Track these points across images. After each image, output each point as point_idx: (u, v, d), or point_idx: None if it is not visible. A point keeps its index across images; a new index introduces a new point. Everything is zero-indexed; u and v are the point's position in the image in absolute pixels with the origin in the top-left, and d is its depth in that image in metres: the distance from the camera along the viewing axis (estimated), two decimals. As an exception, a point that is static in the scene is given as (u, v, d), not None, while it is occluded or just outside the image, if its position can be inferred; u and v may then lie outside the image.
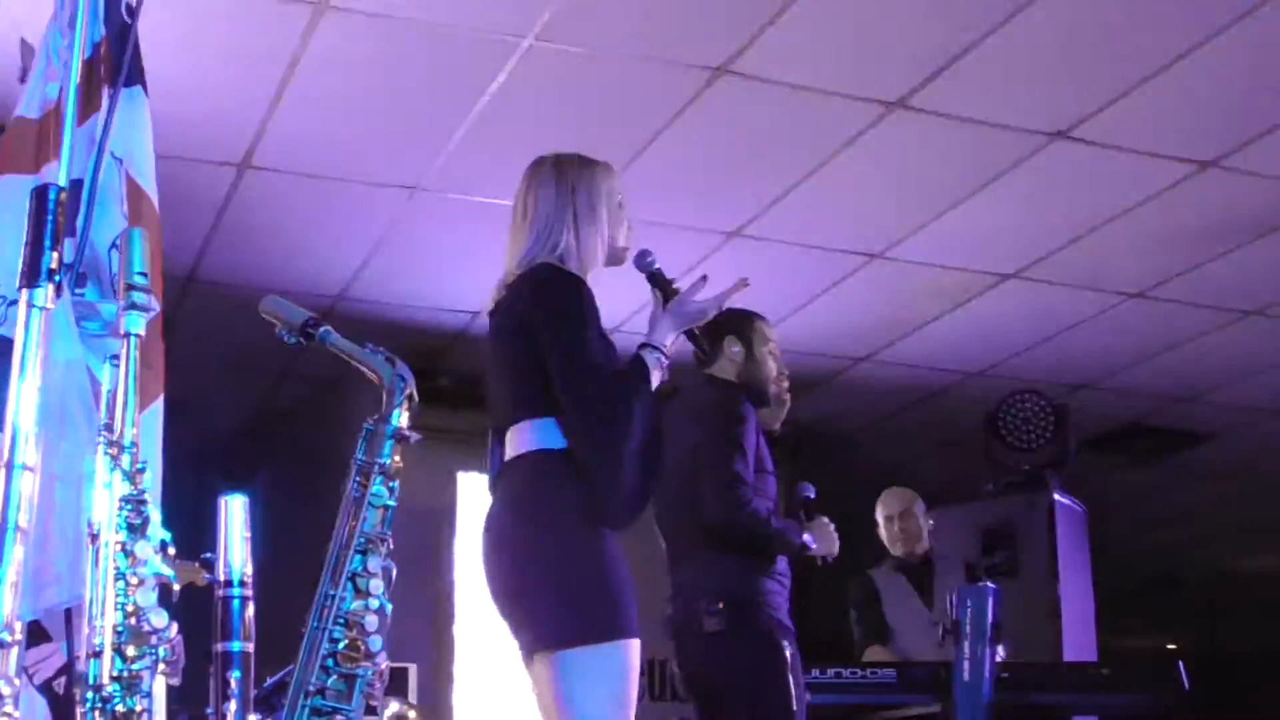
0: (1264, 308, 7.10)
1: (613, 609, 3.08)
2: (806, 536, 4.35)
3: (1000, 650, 5.25)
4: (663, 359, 3.32)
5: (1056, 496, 7.19)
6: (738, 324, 4.52)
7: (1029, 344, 7.56)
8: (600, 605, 3.09)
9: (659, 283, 3.55)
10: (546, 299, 3.27)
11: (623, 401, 3.19)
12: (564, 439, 3.20)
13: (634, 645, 3.09)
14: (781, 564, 4.34)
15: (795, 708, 4.14)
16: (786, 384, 4.65)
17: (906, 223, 6.28)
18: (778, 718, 4.13)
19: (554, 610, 3.09)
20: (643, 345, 3.34)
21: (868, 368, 7.81)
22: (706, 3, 4.72)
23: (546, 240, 3.36)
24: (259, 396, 8.25)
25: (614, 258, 3.47)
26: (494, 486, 3.34)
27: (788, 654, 4.20)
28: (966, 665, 5.16)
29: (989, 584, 5.36)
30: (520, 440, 3.26)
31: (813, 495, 4.49)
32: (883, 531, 6.25)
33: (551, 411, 3.22)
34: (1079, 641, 6.96)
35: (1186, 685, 5.25)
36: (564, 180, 3.43)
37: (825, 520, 4.44)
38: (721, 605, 4.20)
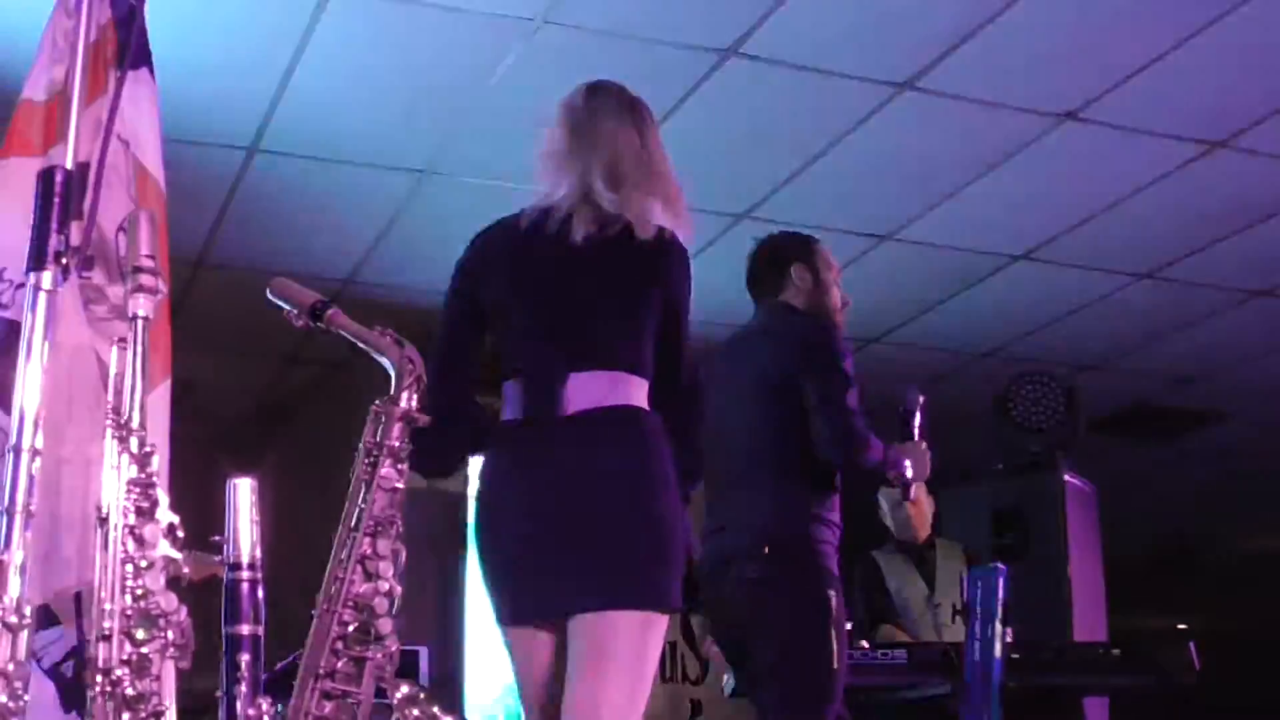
0: (1274, 288, 7.08)
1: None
2: (906, 462, 4.14)
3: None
4: None
5: (1066, 477, 7.18)
6: (802, 250, 4.37)
7: (1039, 325, 7.55)
8: (681, 575, 3.05)
9: None
10: (687, 275, 3.20)
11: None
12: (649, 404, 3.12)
13: None
14: (834, 506, 4.10)
15: (836, 666, 3.92)
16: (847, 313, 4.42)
17: (916, 204, 6.27)
18: (818, 678, 3.91)
19: (668, 575, 3.00)
20: None
21: (877, 349, 7.80)
22: (715, -16, 4.73)
23: (664, 208, 3.22)
24: (268, 380, 8.26)
25: None
26: (591, 420, 3.05)
27: (833, 606, 3.96)
28: (977, 646, 5.16)
29: (999, 565, 5.36)
30: (625, 391, 3.07)
31: (917, 406, 4.26)
32: (891, 514, 6.22)
33: (647, 375, 3.12)
34: (1089, 622, 6.96)
35: (1197, 666, 5.25)
36: (658, 145, 3.34)
37: (922, 444, 4.23)
38: (767, 550, 3.98)
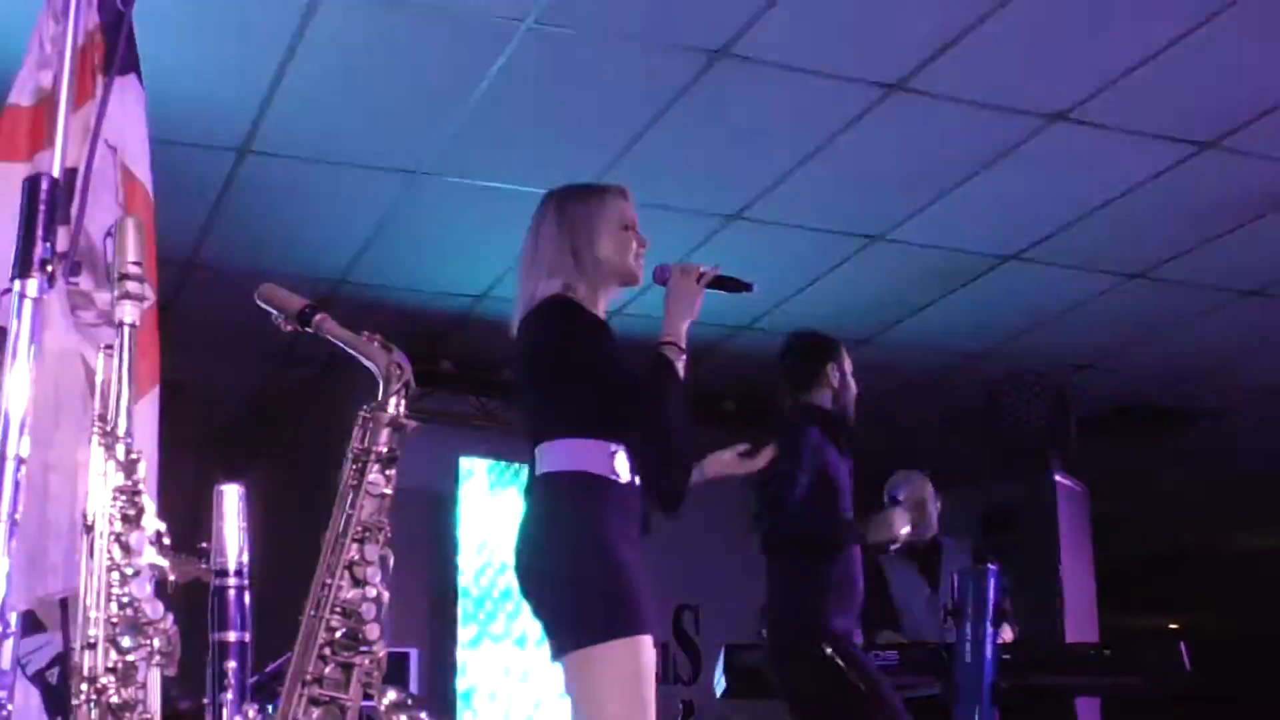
0: (1264, 287, 7.09)
1: (618, 609, 3.22)
2: (879, 528, 4.83)
3: (1006, 631, 5.26)
4: (681, 349, 3.45)
5: (1057, 477, 7.19)
6: (834, 349, 4.88)
7: (1029, 325, 7.55)
8: (606, 607, 3.22)
9: (722, 284, 3.65)
10: (555, 331, 3.39)
11: (654, 401, 3.36)
12: (575, 460, 3.32)
13: (639, 641, 3.21)
14: (838, 571, 4.63)
15: (864, 688, 4.43)
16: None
17: (906, 205, 6.27)
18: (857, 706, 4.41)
19: (565, 616, 3.26)
20: (662, 344, 3.43)
21: (869, 350, 7.80)
22: (705, -14, 4.72)
23: (552, 276, 3.43)
24: (259, 382, 8.25)
25: (624, 279, 3.52)
26: (526, 496, 3.44)
27: (837, 661, 4.46)
28: (968, 647, 5.16)
29: (990, 565, 5.35)
30: (544, 460, 3.36)
31: (900, 496, 4.96)
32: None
33: (564, 434, 3.34)
34: (1080, 622, 6.97)
35: (1188, 665, 5.25)
36: (563, 213, 3.51)
37: (893, 510, 4.95)
38: (767, 630, 4.59)
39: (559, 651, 3.25)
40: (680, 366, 3.41)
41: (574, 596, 3.25)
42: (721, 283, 3.64)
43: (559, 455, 3.33)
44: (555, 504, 3.33)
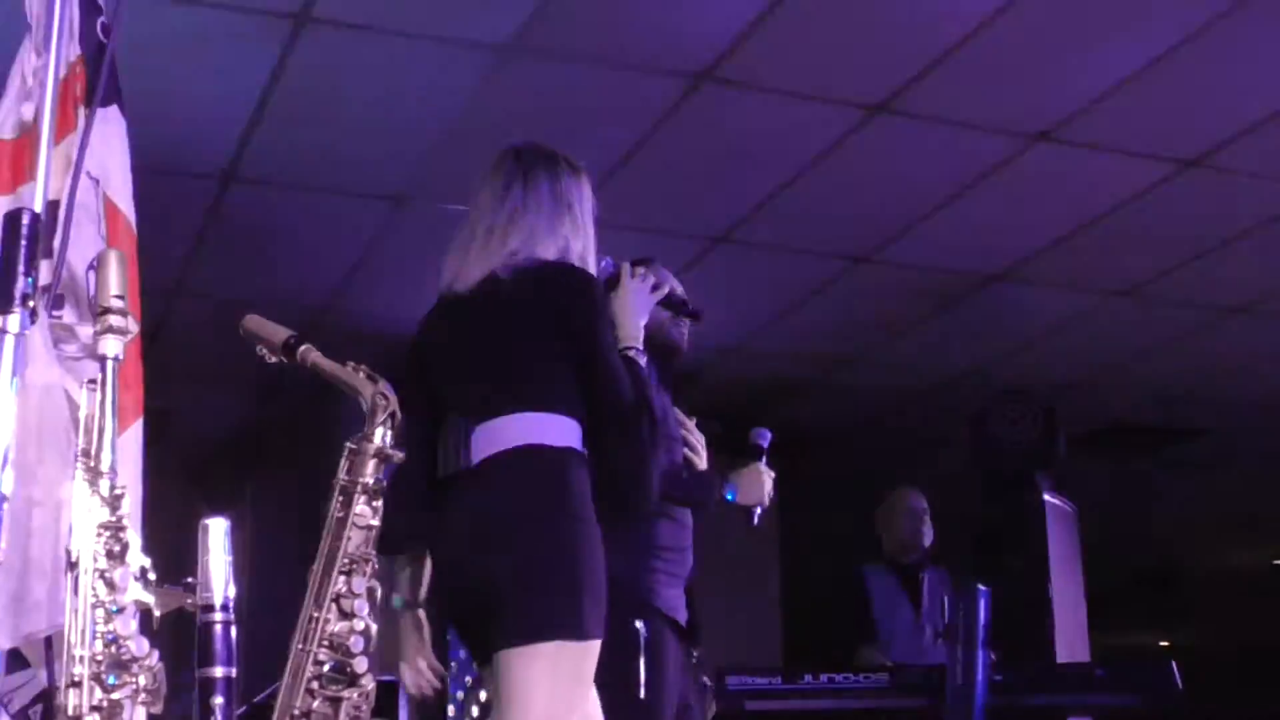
0: (1249, 305, 7.10)
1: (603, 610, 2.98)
2: (730, 486, 3.94)
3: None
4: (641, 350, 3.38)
5: (1046, 496, 7.20)
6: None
7: (1016, 344, 7.55)
8: (600, 604, 2.97)
9: (671, 304, 3.64)
10: (588, 301, 3.20)
11: (648, 401, 3.15)
12: (565, 436, 3.06)
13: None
14: (665, 538, 3.80)
15: (644, 696, 3.67)
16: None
17: (892, 226, 6.27)
18: (628, 706, 3.62)
19: (573, 602, 2.92)
20: (625, 349, 3.33)
21: (856, 370, 7.81)
22: (687, 9, 4.71)
23: (548, 240, 3.28)
24: (246, 411, 8.23)
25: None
26: (476, 475, 3.07)
27: (641, 636, 3.70)
28: (959, 668, 5.15)
29: (980, 586, 5.35)
30: (513, 432, 3.06)
31: (765, 443, 4.07)
32: (904, 525, 6.15)
33: (553, 408, 3.08)
34: (1071, 641, 6.97)
35: (1180, 685, 5.25)
36: (556, 182, 3.42)
37: (758, 467, 3.99)
38: None
39: (512, 640, 2.92)
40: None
41: (543, 581, 2.94)
42: (671, 303, 3.58)
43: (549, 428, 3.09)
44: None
